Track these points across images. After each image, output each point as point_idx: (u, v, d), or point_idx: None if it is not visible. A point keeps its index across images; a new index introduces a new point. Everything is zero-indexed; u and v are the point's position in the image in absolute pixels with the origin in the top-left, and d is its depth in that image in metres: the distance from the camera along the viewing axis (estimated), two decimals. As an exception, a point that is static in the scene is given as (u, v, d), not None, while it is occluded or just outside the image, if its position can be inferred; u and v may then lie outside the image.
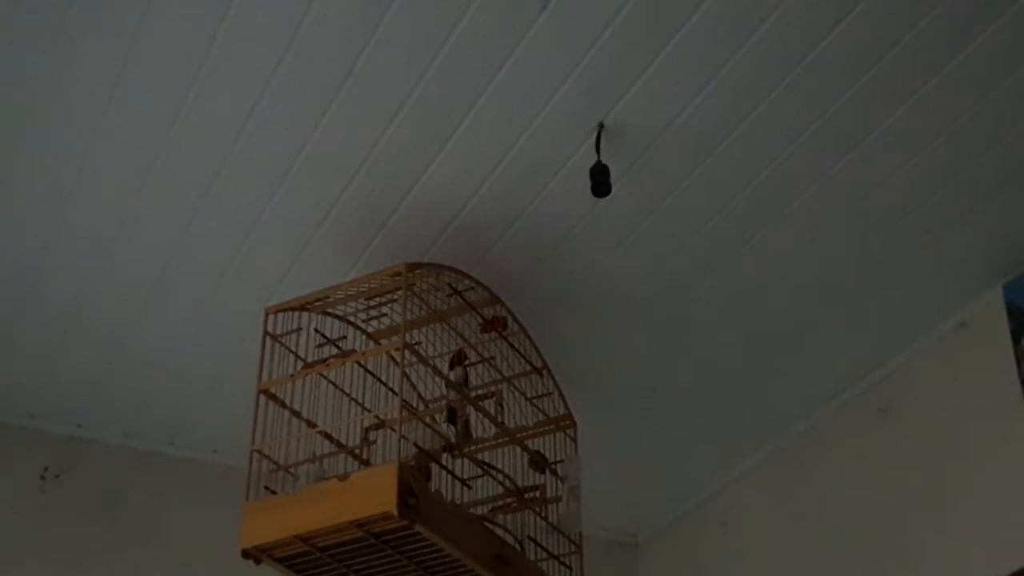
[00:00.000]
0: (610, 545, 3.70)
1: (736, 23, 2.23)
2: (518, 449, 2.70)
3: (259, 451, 2.46)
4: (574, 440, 2.78)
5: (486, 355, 2.71)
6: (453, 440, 2.58)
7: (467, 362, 2.65)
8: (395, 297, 2.56)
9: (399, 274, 2.51)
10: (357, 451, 2.55)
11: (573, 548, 2.74)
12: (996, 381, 2.75)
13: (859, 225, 2.68)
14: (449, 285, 2.64)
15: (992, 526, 2.70)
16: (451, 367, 2.64)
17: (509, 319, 2.72)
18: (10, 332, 2.87)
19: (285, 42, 2.24)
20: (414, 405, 2.63)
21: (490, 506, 2.67)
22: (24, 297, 2.78)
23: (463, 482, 2.62)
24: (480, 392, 2.68)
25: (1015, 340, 2.73)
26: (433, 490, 2.46)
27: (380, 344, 2.67)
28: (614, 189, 2.44)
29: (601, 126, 2.42)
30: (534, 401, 2.78)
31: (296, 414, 2.51)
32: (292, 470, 2.46)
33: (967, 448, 2.82)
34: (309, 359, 2.56)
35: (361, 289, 2.57)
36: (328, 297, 2.60)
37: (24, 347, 2.92)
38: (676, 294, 2.85)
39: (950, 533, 2.80)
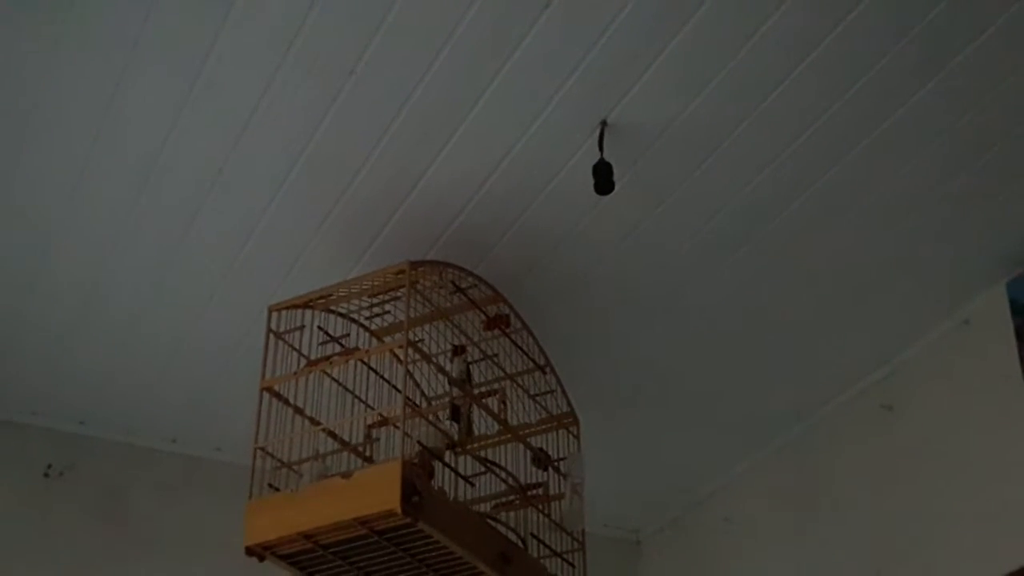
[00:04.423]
0: (613, 542, 3.70)
1: (739, 21, 2.23)
2: (521, 446, 2.70)
3: (263, 448, 2.46)
4: (577, 437, 2.78)
5: (489, 352, 2.71)
6: (456, 437, 2.59)
7: (465, 355, 2.65)
8: (398, 295, 2.56)
9: (402, 272, 2.50)
10: (360, 448, 2.56)
11: (576, 545, 2.74)
12: (999, 378, 2.75)
13: (862, 223, 2.68)
14: (452, 283, 2.64)
15: (995, 523, 2.70)
16: (452, 359, 2.64)
17: (512, 316, 2.71)
18: (14, 330, 2.88)
19: (287, 42, 2.24)
20: (417, 402, 2.64)
21: (493, 503, 2.68)
22: (28, 295, 2.78)
23: (466, 479, 2.62)
24: (483, 389, 2.68)
25: (1018, 337, 2.73)
26: (436, 487, 2.46)
27: (383, 342, 2.67)
28: (617, 187, 2.44)
29: (604, 124, 2.42)
30: (537, 398, 2.77)
31: (299, 412, 2.51)
32: (296, 468, 2.46)
33: (970, 445, 2.82)
34: (312, 356, 2.56)
35: (364, 287, 2.57)
36: (331, 295, 2.60)
37: (28, 345, 2.93)
38: (679, 291, 2.85)
39: (952, 529, 2.80)
